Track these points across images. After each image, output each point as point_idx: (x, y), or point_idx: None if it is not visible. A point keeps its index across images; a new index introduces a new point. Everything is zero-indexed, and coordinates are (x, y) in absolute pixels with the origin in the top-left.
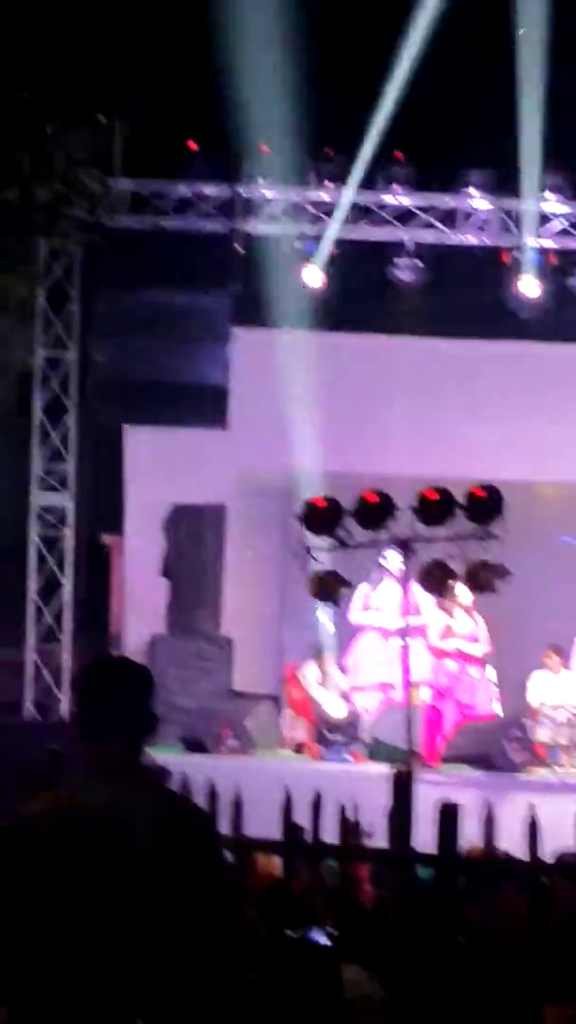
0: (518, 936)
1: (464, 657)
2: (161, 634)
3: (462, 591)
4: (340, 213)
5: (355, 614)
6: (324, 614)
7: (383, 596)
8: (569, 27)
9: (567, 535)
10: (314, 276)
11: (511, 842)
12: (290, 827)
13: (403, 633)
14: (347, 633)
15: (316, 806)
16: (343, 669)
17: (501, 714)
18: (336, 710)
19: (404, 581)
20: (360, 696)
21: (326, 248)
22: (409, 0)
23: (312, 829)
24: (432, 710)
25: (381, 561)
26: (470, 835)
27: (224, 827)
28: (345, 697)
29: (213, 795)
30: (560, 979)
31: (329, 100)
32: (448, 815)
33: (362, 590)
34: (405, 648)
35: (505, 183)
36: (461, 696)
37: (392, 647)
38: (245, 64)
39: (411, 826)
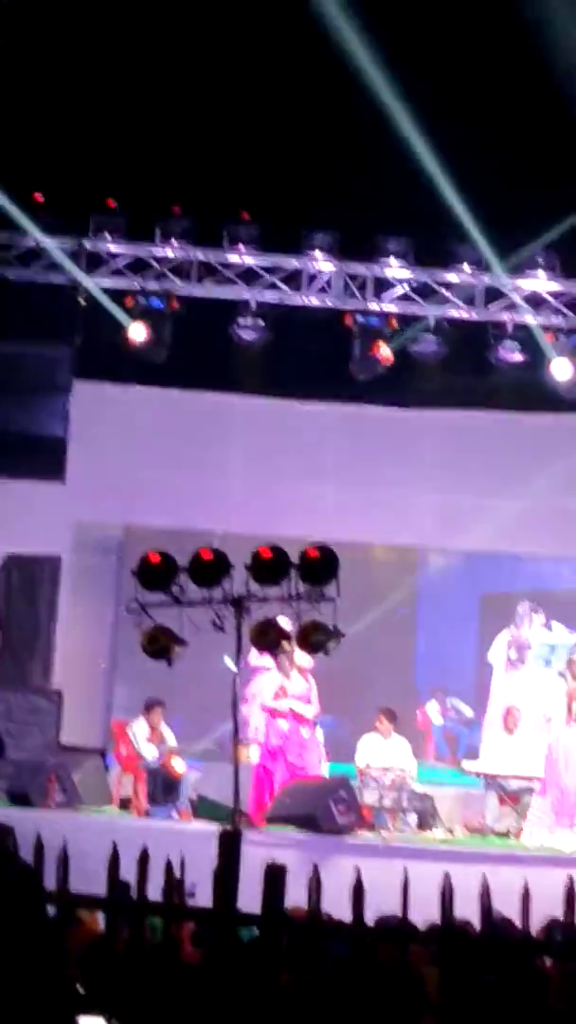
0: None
1: (296, 717)
2: None
3: (298, 652)
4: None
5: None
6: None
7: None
8: (416, 95)
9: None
10: (138, 332)
11: (334, 905)
12: (115, 883)
13: (233, 692)
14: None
15: (142, 862)
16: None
17: (327, 776)
18: (162, 766)
19: (236, 639)
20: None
21: (167, 305)
22: (258, 61)
23: (137, 886)
24: (262, 769)
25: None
26: (293, 897)
27: (49, 882)
28: (173, 753)
29: (39, 849)
30: None
31: (177, 157)
32: (273, 876)
33: None
34: (234, 706)
35: (349, 246)
36: (291, 756)
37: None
38: (95, 118)
39: (237, 886)
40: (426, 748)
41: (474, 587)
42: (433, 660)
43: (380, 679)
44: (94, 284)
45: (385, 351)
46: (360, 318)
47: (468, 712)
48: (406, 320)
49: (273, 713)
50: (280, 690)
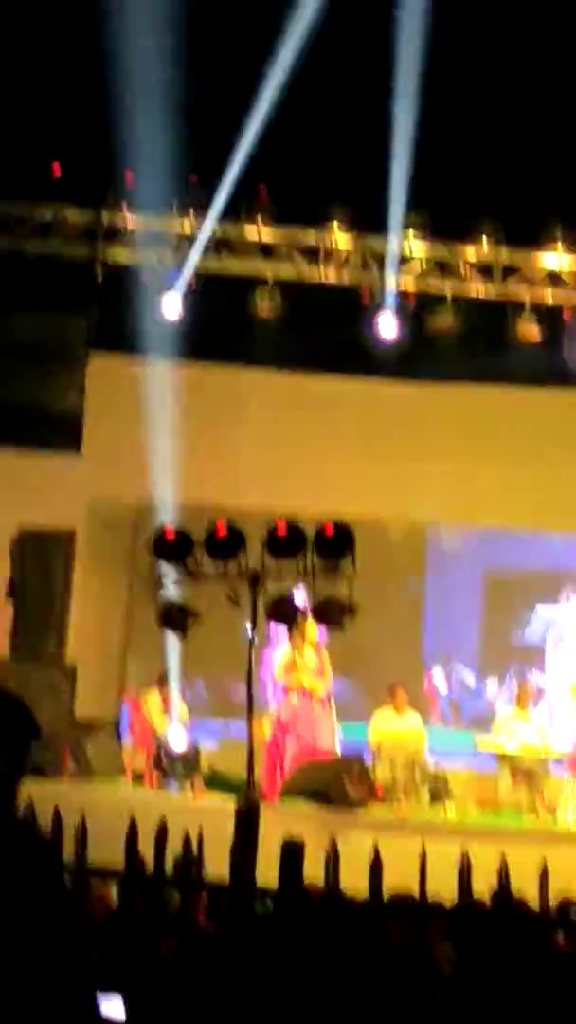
0: (356, 976)
1: (308, 693)
2: (4, 657)
3: (310, 627)
4: (200, 244)
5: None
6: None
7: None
8: (437, 69)
9: None
10: (172, 306)
11: (344, 879)
12: (133, 857)
13: (248, 667)
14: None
15: (160, 837)
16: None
17: (340, 751)
18: (176, 740)
19: (252, 614)
20: None
21: (185, 279)
22: (276, 35)
23: (155, 859)
24: (273, 744)
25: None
26: (306, 870)
27: (67, 853)
28: (182, 727)
29: (57, 822)
30: (397, 1018)
31: (196, 130)
32: (292, 853)
33: None
34: (248, 681)
35: (367, 221)
36: (303, 731)
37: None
38: (112, 90)
39: (255, 861)
40: (431, 712)
41: (481, 561)
42: (439, 630)
43: (389, 647)
44: (111, 257)
45: (391, 325)
46: (377, 293)
47: (471, 680)
48: (423, 296)
49: (284, 688)
50: (291, 664)
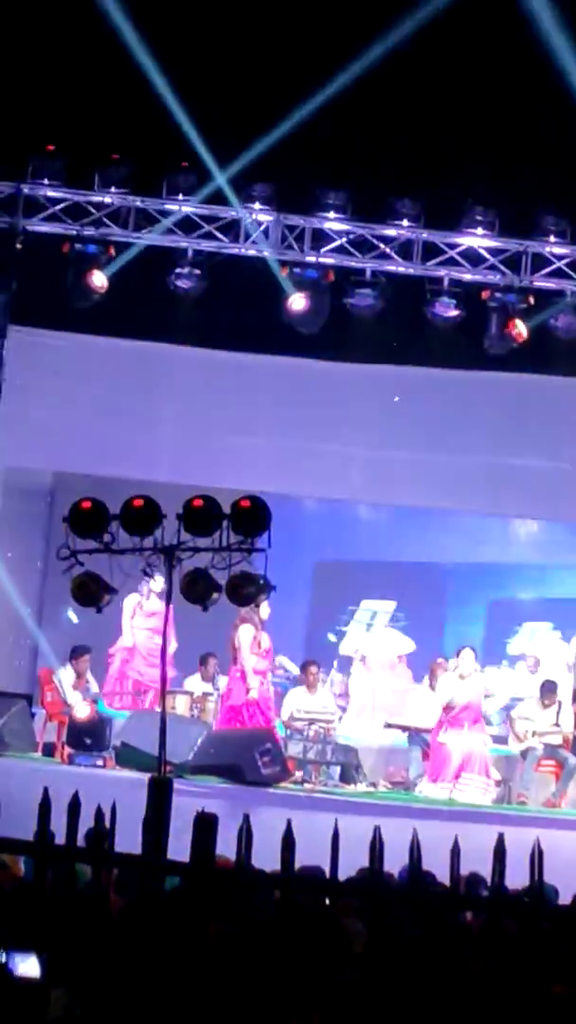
0: (265, 952)
1: (264, 672)
2: None
3: (264, 607)
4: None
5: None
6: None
7: None
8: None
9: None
10: (99, 280)
11: (255, 856)
12: (45, 829)
13: (163, 641)
14: None
15: (73, 809)
16: None
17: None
18: (87, 713)
19: (167, 589)
20: None
21: (111, 253)
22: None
23: (67, 832)
24: (241, 720)
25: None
26: (218, 847)
27: None
28: (94, 700)
29: None
30: (306, 996)
31: (117, 104)
32: (204, 825)
33: None
34: (163, 654)
35: (287, 198)
36: (265, 710)
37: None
38: (31, 61)
39: (167, 834)
40: None
41: (311, 554)
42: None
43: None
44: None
45: (298, 303)
46: (297, 270)
47: (295, 670)
48: (342, 273)
49: (254, 669)
50: (256, 645)
